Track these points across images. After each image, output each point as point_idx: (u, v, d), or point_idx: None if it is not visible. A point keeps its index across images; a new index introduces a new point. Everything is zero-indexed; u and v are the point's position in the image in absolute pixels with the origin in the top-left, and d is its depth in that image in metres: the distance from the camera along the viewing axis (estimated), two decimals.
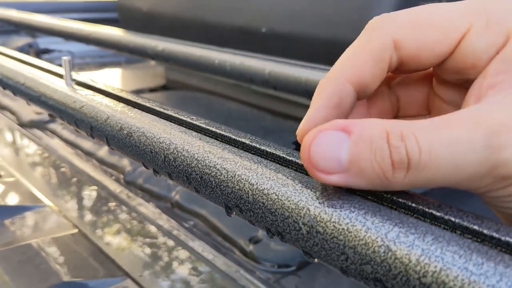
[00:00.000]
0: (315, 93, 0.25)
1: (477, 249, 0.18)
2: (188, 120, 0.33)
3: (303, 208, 0.22)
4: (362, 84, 0.25)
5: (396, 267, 0.18)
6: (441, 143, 0.20)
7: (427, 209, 0.21)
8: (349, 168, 0.21)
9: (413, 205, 0.21)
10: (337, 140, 0.21)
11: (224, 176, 0.26)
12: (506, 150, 0.20)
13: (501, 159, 0.20)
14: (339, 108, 0.24)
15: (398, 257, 0.18)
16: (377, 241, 0.19)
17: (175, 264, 0.55)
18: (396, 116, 0.30)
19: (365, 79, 0.25)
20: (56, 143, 0.95)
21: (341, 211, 0.21)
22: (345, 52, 0.26)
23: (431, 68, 0.27)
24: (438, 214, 0.20)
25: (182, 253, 0.57)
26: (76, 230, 0.60)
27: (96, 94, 0.41)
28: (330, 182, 0.21)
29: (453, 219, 0.20)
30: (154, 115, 0.35)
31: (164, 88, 1.44)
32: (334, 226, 0.20)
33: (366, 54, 0.25)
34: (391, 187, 0.21)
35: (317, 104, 0.25)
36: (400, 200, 0.21)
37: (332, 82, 0.25)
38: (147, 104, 0.37)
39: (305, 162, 0.22)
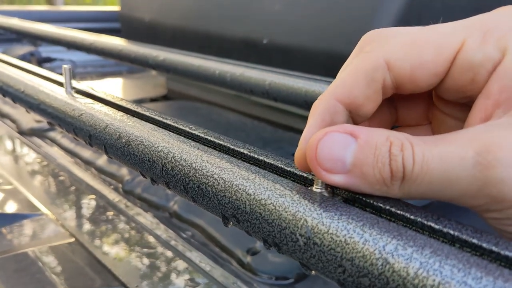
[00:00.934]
0: (310, 113, 0.26)
1: (476, 263, 0.18)
2: (187, 129, 0.32)
3: (301, 219, 0.21)
4: (354, 104, 0.25)
5: (394, 280, 0.18)
6: (434, 157, 0.20)
7: (425, 222, 0.21)
8: (352, 170, 0.22)
9: (412, 217, 0.21)
10: (343, 142, 0.22)
11: (221, 186, 0.26)
12: (496, 169, 0.20)
13: (490, 177, 0.20)
14: (333, 125, 0.24)
15: (396, 270, 0.18)
16: (374, 254, 0.19)
17: (172, 275, 0.54)
18: (394, 125, 0.31)
19: (357, 100, 0.25)
20: (55, 151, 0.94)
21: (338, 222, 0.20)
22: (339, 72, 0.26)
23: None
24: (437, 227, 0.20)
25: (180, 264, 0.56)
26: (73, 239, 0.60)
27: (96, 102, 0.40)
28: (332, 181, 0.22)
29: (452, 232, 0.20)
30: (153, 124, 0.35)
31: (165, 98, 1.44)
32: (331, 237, 0.20)
33: (357, 75, 0.25)
34: (389, 194, 0.22)
35: (311, 123, 0.25)
36: (398, 212, 0.21)
37: (323, 103, 0.25)
38: (146, 113, 0.36)
39: (310, 160, 0.22)
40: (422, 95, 0.29)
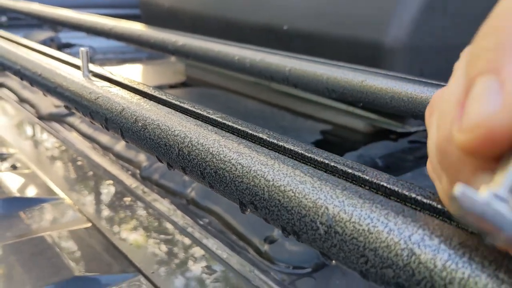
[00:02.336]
0: None
1: (508, 257, 0.16)
2: (204, 113, 0.32)
3: (321, 206, 0.20)
4: None
5: (420, 273, 0.17)
6: None
7: None
8: None
9: (439, 206, 0.20)
10: None
11: (239, 171, 0.25)
12: None
13: None
14: None
15: (423, 261, 0.17)
16: (399, 244, 0.18)
17: (188, 262, 0.54)
18: None
19: None
20: (74, 136, 0.95)
21: (361, 210, 0.19)
22: None
23: None
24: None
25: (196, 251, 0.56)
26: (90, 224, 0.60)
27: (113, 86, 0.40)
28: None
29: None
30: (170, 108, 0.34)
31: (184, 85, 1.44)
32: (354, 226, 0.19)
33: None
34: None
35: None
36: (425, 201, 0.20)
37: None
38: (163, 97, 0.36)
39: None
40: None
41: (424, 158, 0.76)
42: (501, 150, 0.13)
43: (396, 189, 0.21)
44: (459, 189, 0.13)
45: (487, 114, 0.13)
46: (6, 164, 0.76)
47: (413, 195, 0.21)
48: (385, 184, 0.22)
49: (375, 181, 0.22)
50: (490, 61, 0.13)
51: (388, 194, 0.21)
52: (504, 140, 0.12)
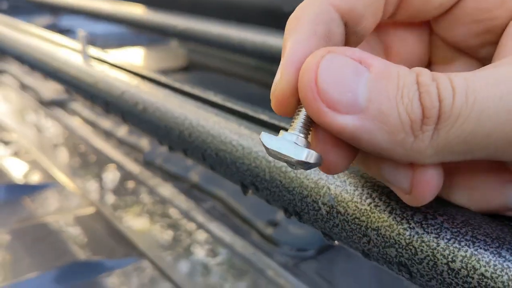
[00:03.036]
0: (291, 23, 0.18)
1: (511, 233, 0.16)
2: (204, 96, 0.31)
3: (323, 186, 0.20)
4: (354, 14, 0.18)
5: (423, 251, 0.17)
6: (482, 82, 0.15)
7: None
8: (367, 107, 0.15)
9: None
10: (353, 70, 0.15)
11: (240, 152, 0.25)
12: None
13: None
14: (328, 41, 0.18)
15: (425, 240, 0.17)
16: (402, 223, 0.17)
17: (192, 245, 0.54)
18: None
19: (357, 8, 0.18)
20: (76, 122, 0.95)
21: (363, 190, 0.19)
22: None
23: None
24: None
25: (200, 235, 0.56)
26: (93, 209, 0.60)
27: (112, 69, 0.40)
28: (338, 126, 0.15)
29: None
30: (170, 90, 0.34)
31: (185, 69, 1.43)
32: (356, 206, 0.19)
33: None
34: (413, 150, 0.15)
35: (298, 37, 0.17)
36: None
37: (314, 7, 0.18)
38: (163, 80, 0.35)
39: (307, 90, 0.16)
40: (421, 26, 0.22)
41: None
42: (290, 108, 0.17)
43: None
44: (263, 135, 0.17)
45: (274, 86, 0.17)
46: (9, 150, 0.77)
47: None
48: None
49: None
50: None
51: None
52: (285, 102, 0.17)
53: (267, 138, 0.17)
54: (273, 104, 0.18)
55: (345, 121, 0.15)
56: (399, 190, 0.17)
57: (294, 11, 0.18)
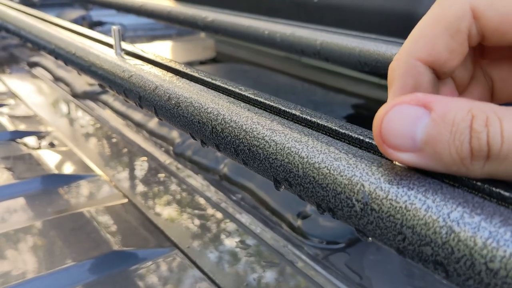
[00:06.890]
0: (388, 79, 0.23)
1: None
2: (236, 90, 0.32)
3: (357, 183, 0.20)
4: (438, 62, 0.22)
5: (460, 250, 0.17)
6: None
7: (494, 188, 0.19)
8: (423, 148, 0.19)
9: (478, 183, 0.19)
10: (414, 116, 0.19)
11: (273, 148, 0.25)
12: None
13: None
14: (418, 89, 0.22)
15: (462, 239, 0.17)
16: (438, 221, 0.17)
17: (222, 236, 0.55)
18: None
19: (441, 56, 0.22)
20: (108, 114, 0.96)
21: (398, 187, 0.19)
22: (416, 27, 0.23)
23: None
24: (506, 194, 0.19)
25: (230, 226, 0.57)
26: (126, 200, 0.61)
27: (145, 64, 0.40)
28: (400, 160, 0.20)
29: None
30: (202, 85, 0.34)
31: (214, 61, 1.44)
32: (391, 203, 0.19)
33: (439, 27, 0.21)
34: (468, 175, 0.19)
35: (393, 91, 0.22)
36: (463, 177, 0.20)
37: (402, 64, 0.22)
38: (195, 74, 0.36)
39: (376, 137, 0.20)
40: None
41: None
42: None
43: None
44: None
45: None
46: (44, 142, 0.78)
47: None
48: None
49: None
50: None
51: (426, 171, 0.21)
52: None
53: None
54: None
55: (406, 158, 0.20)
56: None
57: (392, 63, 0.23)
